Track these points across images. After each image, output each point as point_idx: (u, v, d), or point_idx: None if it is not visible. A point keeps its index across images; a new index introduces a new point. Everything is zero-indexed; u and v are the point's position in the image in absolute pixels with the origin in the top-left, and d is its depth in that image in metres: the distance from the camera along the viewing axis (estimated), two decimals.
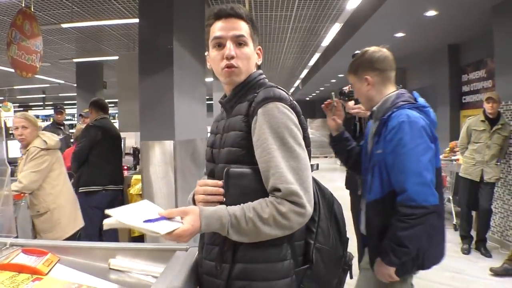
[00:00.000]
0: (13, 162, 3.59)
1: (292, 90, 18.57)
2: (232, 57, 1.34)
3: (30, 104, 21.90)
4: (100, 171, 4.18)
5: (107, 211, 1.16)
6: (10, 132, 6.50)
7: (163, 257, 1.56)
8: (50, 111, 17.21)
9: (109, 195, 4.24)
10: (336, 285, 1.42)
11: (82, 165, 4.20)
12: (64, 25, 6.62)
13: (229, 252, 1.27)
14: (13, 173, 3.49)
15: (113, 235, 4.38)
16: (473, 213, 5.16)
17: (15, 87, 15.73)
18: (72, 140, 6.11)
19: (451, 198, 6.21)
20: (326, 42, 8.89)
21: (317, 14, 6.91)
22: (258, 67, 1.47)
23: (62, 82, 13.93)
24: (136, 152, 6.13)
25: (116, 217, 1.13)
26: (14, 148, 5.19)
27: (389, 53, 2.04)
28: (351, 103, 2.83)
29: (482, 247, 4.89)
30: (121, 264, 1.61)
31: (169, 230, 1.13)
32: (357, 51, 2.20)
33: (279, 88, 1.35)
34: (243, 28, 1.38)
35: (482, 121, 4.80)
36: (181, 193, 3.58)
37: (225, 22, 1.37)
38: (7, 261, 1.51)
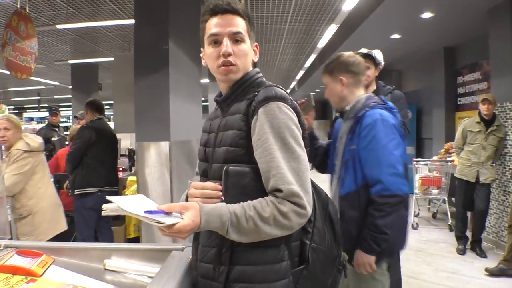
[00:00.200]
0: None
1: (288, 91, 18.49)
2: (229, 54, 1.32)
3: (25, 106, 21.80)
4: (96, 172, 4.13)
5: (108, 197, 1.14)
6: None
7: (159, 257, 1.55)
8: (45, 113, 17.12)
9: (104, 197, 4.18)
10: (331, 284, 1.41)
11: (77, 167, 4.15)
12: (59, 26, 6.59)
13: (227, 254, 1.25)
14: None
15: (108, 237, 4.37)
16: (468, 214, 5.19)
17: (10, 89, 15.66)
18: (67, 142, 6.08)
19: (446, 199, 6.23)
20: (322, 43, 8.90)
21: (313, 16, 6.92)
22: (254, 64, 1.45)
23: (57, 84, 13.89)
24: (131, 154, 6.11)
25: (118, 203, 1.10)
26: None
27: (362, 60, 2.23)
28: None
29: (477, 248, 4.91)
30: (117, 264, 1.60)
31: (172, 222, 1.10)
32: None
33: (280, 88, 1.33)
34: (240, 24, 1.35)
35: (478, 122, 4.83)
36: (177, 194, 3.57)
37: (221, 18, 1.34)
38: (1, 263, 1.49)
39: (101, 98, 9.33)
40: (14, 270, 1.46)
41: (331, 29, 7.74)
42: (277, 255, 1.25)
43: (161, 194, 3.58)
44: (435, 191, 6.36)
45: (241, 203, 1.19)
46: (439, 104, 8.11)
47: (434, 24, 6.24)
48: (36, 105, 18.73)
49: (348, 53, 2.24)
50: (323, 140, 2.45)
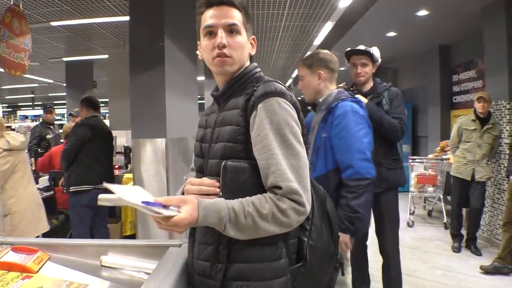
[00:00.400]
0: None
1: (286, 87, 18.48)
2: (224, 46, 1.29)
3: (19, 104, 21.66)
4: (91, 170, 4.11)
5: (105, 184, 1.11)
6: None
7: (156, 253, 1.54)
8: (40, 111, 17.04)
9: (99, 194, 4.16)
10: (328, 282, 1.41)
11: (72, 164, 4.12)
12: (53, 23, 6.54)
13: (224, 251, 1.24)
14: None
15: (104, 234, 4.34)
16: (464, 212, 5.21)
17: (3, 87, 15.56)
18: (62, 140, 6.06)
19: (441, 197, 6.25)
20: (318, 41, 8.88)
21: (309, 13, 6.90)
22: (251, 58, 1.43)
23: (52, 81, 13.80)
24: (127, 151, 6.09)
25: (116, 191, 1.07)
26: None
27: (337, 59, 2.46)
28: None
29: (472, 246, 4.94)
30: (113, 261, 1.58)
31: (170, 214, 1.08)
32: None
33: (279, 83, 1.31)
34: (236, 16, 1.33)
35: (473, 120, 4.85)
36: (173, 191, 3.55)
37: (217, 10, 1.32)
38: None
39: (96, 96, 9.27)
40: (10, 267, 1.45)
41: (327, 27, 7.73)
42: (274, 253, 1.24)
43: (157, 191, 3.56)
44: (430, 189, 6.38)
45: (240, 199, 1.18)
46: (434, 102, 8.14)
47: (430, 22, 6.26)
48: (30, 103, 18.61)
49: (326, 51, 2.46)
50: None
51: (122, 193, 1.07)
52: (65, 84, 10.94)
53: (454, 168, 5.07)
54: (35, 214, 3.48)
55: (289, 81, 16.21)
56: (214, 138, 1.33)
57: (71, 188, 4.07)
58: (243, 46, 1.35)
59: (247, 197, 1.18)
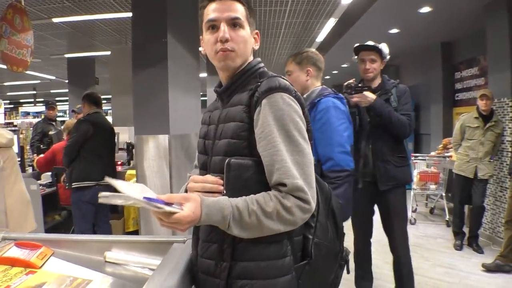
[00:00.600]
0: None
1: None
2: (227, 40, 1.28)
3: (21, 100, 21.67)
4: (93, 166, 4.10)
5: (107, 178, 1.10)
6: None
7: (160, 249, 1.53)
8: (41, 108, 17.04)
9: (102, 190, 4.14)
10: (333, 280, 1.39)
11: (74, 160, 4.12)
12: (55, 20, 6.53)
13: (229, 249, 1.22)
14: None
15: (106, 230, 4.35)
16: (466, 210, 5.20)
17: (5, 84, 15.55)
18: (64, 137, 6.07)
19: (444, 194, 6.24)
20: (320, 37, 8.86)
21: (311, 9, 6.88)
22: (254, 53, 1.41)
23: (53, 78, 13.78)
24: (129, 147, 6.10)
25: (118, 187, 1.06)
26: None
27: (323, 60, 2.60)
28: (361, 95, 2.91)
29: (474, 243, 4.93)
30: (117, 257, 1.58)
31: (172, 210, 1.06)
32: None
33: (283, 78, 1.30)
34: (238, 10, 1.31)
35: (476, 118, 4.83)
36: (176, 188, 3.56)
37: (219, 4, 1.30)
38: (0, 254, 1.48)
39: (98, 92, 9.26)
40: (13, 262, 1.45)
41: (330, 23, 7.71)
42: (279, 251, 1.23)
43: (160, 187, 3.56)
44: (433, 186, 6.37)
45: (244, 197, 1.16)
46: (436, 100, 8.11)
47: (432, 19, 6.24)
48: (32, 100, 18.61)
49: (315, 50, 2.61)
50: None
51: (124, 189, 1.06)
52: (67, 81, 10.93)
53: (457, 165, 5.06)
54: (22, 213, 3.45)
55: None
56: (217, 134, 1.32)
57: (73, 184, 4.07)
58: (246, 40, 1.33)
59: (251, 195, 1.16)
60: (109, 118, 5.59)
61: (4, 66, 4.64)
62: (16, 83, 15.23)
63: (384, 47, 3.04)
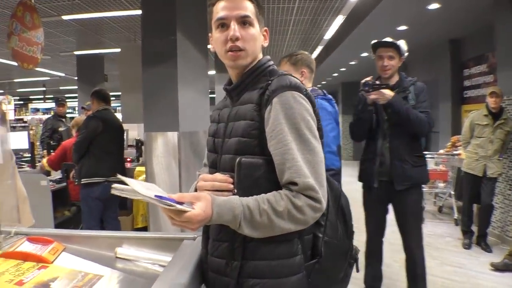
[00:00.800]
0: (16, 153, 3.55)
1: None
2: (237, 39, 1.27)
3: (31, 97, 21.85)
4: (102, 162, 4.13)
5: (120, 176, 1.10)
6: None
7: (170, 246, 1.54)
8: (51, 104, 17.15)
9: (111, 187, 4.15)
10: (342, 278, 1.39)
11: (83, 156, 4.15)
12: (64, 17, 6.59)
13: (240, 248, 1.22)
14: None
15: (115, 227, 4.38)
16: (474, 208, 5.17)
17: (15, 80, 15.69)
18: (73, 134, 6.11)
19: (452, 193, 6.20)
20: (328, 35, 8.85)
21: (319, 6, 6.87)
22: (262, 50, 1.40)
23: (63, 75, 13.90)
24: (139, 144, 6.13)
25: (131, 184, 1.05)
26: (16, 140, 5.19)
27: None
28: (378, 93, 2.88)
29: (483, 242, 4.90)
30: (128, 252, 1.59)
31: (184, 209, 1.06)
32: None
33: (294, 77, 1.29)
34: (248, 7, 1.30)
35: (485, 115, 4.79)
36: (185, 184, 3.58)
37: (228, 2, 1.29)
38: (12, 249, 1.50)
39: (107, 89, 9.31)
40: (25, 257, 1.46)
41: (338, 20, 7.69)
42: (290, 250, 1.22)
43: (169, 184, 3.58)
44: (441, 184, 6.35)
45: (254, 196, 1.15)
46: (445, 97, 8.07)
47: (441, 16, 6.20)
48: (42, 96, 18.74)
49: (307, 53, 2.78)
50: None
51: (136, 187, 1.06)
52: (76, 78, 11.01)
53: (466, 164, 5.03)
54: (19, 207, 3.47)
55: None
56: (227, 132, 1.31)
57: (82, 180, 4.10)
58: (256, 38, 1.32)
59: (262, 194, 1.16)
60: (119, 115, 5.63)
61: (15, 63, 4.69)
62: (26, 79, 15.38)
63: (402, 44, 2.99)
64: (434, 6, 5.74)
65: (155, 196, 1.05)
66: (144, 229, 4.50)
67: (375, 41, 3.05)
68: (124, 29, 8.15)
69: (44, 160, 4.92)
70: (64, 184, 4.78)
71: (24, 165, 5.54)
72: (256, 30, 1.32)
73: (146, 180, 3.74)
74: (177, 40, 3.59)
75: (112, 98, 4.59)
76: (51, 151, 5.43)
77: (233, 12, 1.28)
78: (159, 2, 3.66)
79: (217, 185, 1.24)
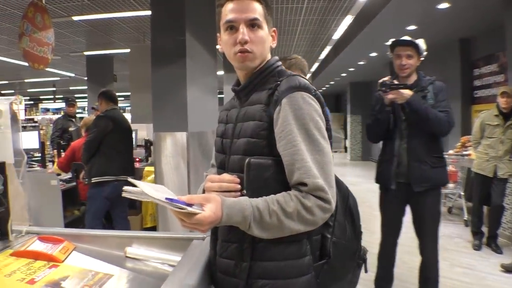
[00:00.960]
0: (27, 153, 3.58)
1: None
2: (246, 42, 1.27)
3: (41, 97, 22.04)
4: (112, 161, 4.16)
5: (130, 179, 1.12)
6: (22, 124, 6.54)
7: (180, 246, 1.55)
8: (61, 104, 17.28)
9: (121, 186, 4.14)
10: (351, 279, 1.39)
11: (93, 156, 4.18)
12: (75, 18, 6.64)
13: (249, 249, 1.22)
14: None
15: (124, 226, 4.41)
16: (484, 209, 5.13)
17: (25, 81, 15.83)
18: (82, 134, 6.15)
19: (462, 193, 6.16)
20: (337, 35, 8.83)
21: (328, 6, 6.86)
22: (271, 51, 1.40)
23: (73, 75, 14.01)
24: (148, 144, 6.16)
25: (141, 187, 1.06)
26: (27, 140, 5.24)
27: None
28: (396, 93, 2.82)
29: (493, 243, 4.86)
30: (138, 252, 1.61)
31: (194, 211, 1.06)
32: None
33: (302, 77, 1.29)
34: (257, 9, 1.29)
35: (496, 115, 4.75)
36: (193, 184, 3.59)
37: (237, 4, 1.28)
38: (23, 248, 1.52)
39: (116, 89, 9.35)
40: (36, 256, 1.49)
41: (347, 20, 7.67)
42: (299, 250, 1.22)
43: (178, 184, 3.60)
44: (451, 185, 6.29)
45: (264, 197, 1.15)
46: (455, 97, 7.98)
47: (450, 15, 6.15)
48: (52, 96, 18.90)
49: (300, 57, 2.87)
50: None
51: (146, 189, 1.06)
52: (86, 78, 11.09)
53: (476, 164, 4.99)
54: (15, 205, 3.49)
55: (308, 76, 16.15)
56: (236, 133, 1.31)
57: (93, 179, 4.13)
58: (265, 40, 1.32)
59: (272, 195, 1.16)
60: (128, 115, 5.66)
61: (26, 63, 4.73)
62: (36, 80, 15.51)
63: (421, 43, 2.92)
64: (443, 5, 5.70)
65: (166, 198, 1.06)
66: (153, 228, 4.51)
67: (393, 39, 3.00)
68: (133, 30, 8.20)
69: (55, 165, 4.97)
70: (74, 183, 4.82)
71: (35, 164, 5.59)
72: (264, 32, 1.32)
73: (155, 180, 3.76)
74: (186, 41, 3.60)
75: (121, 99, 4.62)
76: (61, 150, 5.47)
77: (242, 15, 1.27)
78: (168, 3, 3.67)
79: (225, 186, 1.24)
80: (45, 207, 3.95)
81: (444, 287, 3.79)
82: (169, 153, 3.63)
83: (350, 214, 1.38)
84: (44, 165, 5.36)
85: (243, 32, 1.27)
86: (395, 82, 2.89)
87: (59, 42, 8.71)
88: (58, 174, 4.82)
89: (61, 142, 5.94)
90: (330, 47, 10.64)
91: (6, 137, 1.75)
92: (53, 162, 5.58)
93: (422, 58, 2.97)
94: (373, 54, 9.56)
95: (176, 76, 3.61)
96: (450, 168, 6.36)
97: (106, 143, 4.18)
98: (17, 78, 15.06)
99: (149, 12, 3.93)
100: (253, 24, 1.29)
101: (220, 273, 1.31)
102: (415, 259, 3.64)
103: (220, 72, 9.83)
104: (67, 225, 4.35)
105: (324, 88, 18.57)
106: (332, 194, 1.16)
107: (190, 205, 1.08)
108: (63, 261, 1.49)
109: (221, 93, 10.32)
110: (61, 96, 19.76)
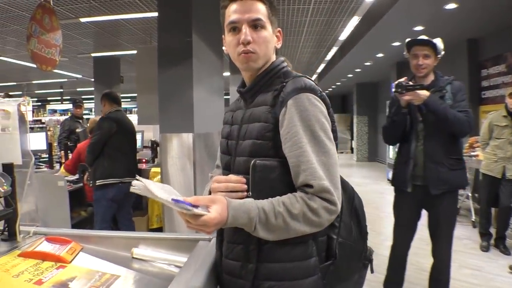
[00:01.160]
0: (35, 154, 3.60)
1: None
2: (249, 42, 1.26)
3: (48, 98, 22.19)
4: (116, 163, 4.15)
5: (138, 178, 1.11)
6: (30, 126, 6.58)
7: (186, 246, 1.56)
8: (68, 106, 17.39)
9: (125, 188, 4.15)
10: (357, 280, 1.38)
11: (97, 158, 4.16)
12: (82, 20, 6.68)
13: (255, 251, 1.22)
14: None
15: (130, 228, 4.41)
16: (492, 210, 5.09)
17: (33, 82, 15.94)
18: (89, 135, 6.19)
19: (470, 195, 6.12)
20: (343, 36, 8.81)
21: (334, 7, 6.85)
22: (277, 52, 1.39)
23: (80, 76, 14.09)
24: (154, 145, 6.18)
25: (148, 185, 1.06)
26: (35, 141, 5.27)
27: None
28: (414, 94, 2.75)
29: (501, 245, 4.83)
30: (144, 253, 1.61)
31: (200, 212, 1.06)
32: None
33: (308, 78, 1.28)
34: (260, 10, 1.28)
35: (504, 116, 4.72)
36: (199, 185, 3.60)
37: (240, 5, 1.28)
38: (31, 249, 1.53)
39: (122, 91, 9.41)
40: (44, 256, 1.49)
41: (353, 21, 7.65)
42: (305, 252, 1.22)
43: (184, 185, 3.61)
44: None
45: (270, 199, 1.15)
46: None
47: (458, 15, 6.11)
48: (59, 98, 19.02)
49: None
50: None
51: (153, 189, 1.07)
52: (93, 79, 11.15)
53: (484, 165, 4.96)
54: None
55: (314, 77, 16.14)
56: (241, 135, 1.31)
57: (97, 181, 4.11)
58: (268, 40, 1.31)
59: (277, 197, 1.16)
60: (135, 116, 5.68)
61: (33, 65, 4.76)
62: (44, 81, 15.61)
63: (438, 42, 2.86)
64: (451, 6, 5.67)
65: (172, 199, 1.06)
66: (159, 229, 4.52)
67: (410, 39, 2.94)
68: (140, 31, 8.23)
69: (62, 168, 4.99)
70: (81, 184, 4.84)
71: (42, 165, 5.63)
72: (268, 32, 1.31)
73: (162, 181, 3.76)
74: (193, 42, 3.61)
75: (127, 100, 4.64)
76: (68, 152, 5.50)
77: (244, 16, 1.27)
78: (175, 4, 3.68)
79: (231, 186, 1.24)
80: (52, 208, 3.97)
81: None
82: (175, 154, 3.63)
83: (356, 215, 1.37)
84: (51, 166, 5.39)
85: (246, 32, 1.26)
86: (411, 83, 2.81)
87: (67, 44, 8.77)
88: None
89: (68, 143, 5.97)
90: (337, 48, 10.62)
91: (14, 138, 1.76)
92: (60, 163, 5.61)
93: (440, 58, 2.91)
94: (380, 55, 9.53)
95: (182, 77, 3.62)
96: None
97: (110, 145, 4.16)
98: (25, 80, 15.16)
99: (156, 14, 3.94)
100: (256, 25, 1.28)
101: (226, 274, 1.31)
102: (423, 261, 3.63)
103: (226, 73, 9.86)
104: (74, 226, 4.36)
105: (330, 89, 18.54)
106: (337, 196, 1.16)
107: (196, 206, 1.08)
108: (70, 261, 1.50)
109: (227, 94, 10.35)
110: (69, 97, 19.86)
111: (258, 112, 1.28)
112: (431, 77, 2.91)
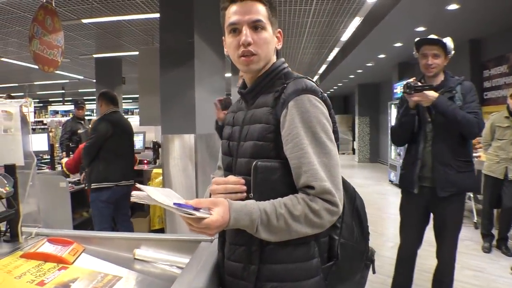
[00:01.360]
0: (36, 155, 3.60)
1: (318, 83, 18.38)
2: (249, 44, 1.26)
3: (50, 99, 22.22)
4: (111, 167, 4.09)
5: (137, 185, 1.12)
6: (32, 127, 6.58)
7: (188, 248, 1.56)
8: (70, 107, 17.41)
9: (120, 191, 4.15)
10: (359, 280, 1.38)
11: (93, 160, 4.11)
12: (84, 21, 6.68)
13: (257, 252, 1.22)
14: None
15: (128, 229, 4.40)
16: (495, 211, 5.08)
17: (35, 83, 15.97)
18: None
19: (472, 196, 6.11)
20: (345, 36, 8.81)
21: (336, 8, 6.84)
22: (277, 52, 1.39)
23: (82, 77, 14.11)
24: (156, 146, 6.18)
25: (149, 193, 1.06)
26: (36, 142, 5.27)
27: None
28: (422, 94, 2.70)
29: (503, 246, 4.82)
30: (146, 254, 1.61)
31: (202, 215, 1.06)
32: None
33: (309, 79, 1.28)
34: (260, 11, 1.28)
35: (506, 117, 4.72)
36: (201, 186, 3.60)
37: (240, 6, 1.27)
38: (33, 250, 1.53)
39: (124, 92, 9.40)
40: (46, 257, 1.50)
41: (355, 22, 7.64)
42: (307, 253, 1.22)
43: (185, 186, 3.61)
44: None
45: (271, 200, 1.15)
46: None
47: (460, 16, 6.10)
48: (61, 99, 19.04)
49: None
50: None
51: (154, 195, 1.07)
52: (94, 80, 11.16)
53: (486, 166, 4.95)
54: None
55: (315, 78, 16.13)
56: (242, 136, 1.31)
57: (92, 184, 4.07)
58: (269, 42, 1.31)
59: (279, 198, 1.16)
60: (136, 117, 5.68)
61: (35, 66, 4.77)
62: (46, 82, 15.63)
63: (448, 42, 2.83)
64: (453, 6, 5.66)
65: (174, 204, 1.06)
66: (161, 230, 4.53)
67: (419, 38, 2.90)
68: (142, 32, 8.24)
69: (63, 163, 4.98)
70: (83, 185, 4.84)
71: (44, 166, 5.64)
72: (268, 33, 1.31)
73: (163, 181, 3.77)
74: (195, 43, 3.61)
75: (129, 101, 4.62)
76: (70, 153, 5.50)
77: (244, 17, 1.26)
78: (177, 5, 3.69)
79: (230, 188, 1.24)
80: (54, 209, 3.98)
81: None
82: (177, 155, 3.64)
83: (357, 215, 1.37)
84: (53, 167, 5.39)
85: (246, 34, 1.26)
86: (419, 83, 2.76)
87: (69, 45, 8.78)
88: (67, 175, 4.85)
89: (70, 144, 5.98)
90: (338, 49, 10.61)
91: (16, 139, 1.77)
92: (61, 164, 5.62)
93: (450, 58, 2.88)
94: (381, 56, 9.52)
95: (184, 78, 3.62)
96: None
97: (105, 148, 4.10)
98: (27, 81, 15.19)
99: (158, 15, 3.95)
100: (256, 26, 1.28)
101: (229, 275, 1.30)
102: (425, 262, 3.62)
103: (228, 74, 9.86)
104: (76, 227, 4.36)
105: (332, 90, 18.53)
106: (339, 197, 1.16)
107: (197, 209, 1.08)
108: (72, 263, 1.50)
109: (228, 95, 10.35)
110: (70, 98, 19.89)
111: (259, 114, 1.28)
112: (441, 77, 2.87)
